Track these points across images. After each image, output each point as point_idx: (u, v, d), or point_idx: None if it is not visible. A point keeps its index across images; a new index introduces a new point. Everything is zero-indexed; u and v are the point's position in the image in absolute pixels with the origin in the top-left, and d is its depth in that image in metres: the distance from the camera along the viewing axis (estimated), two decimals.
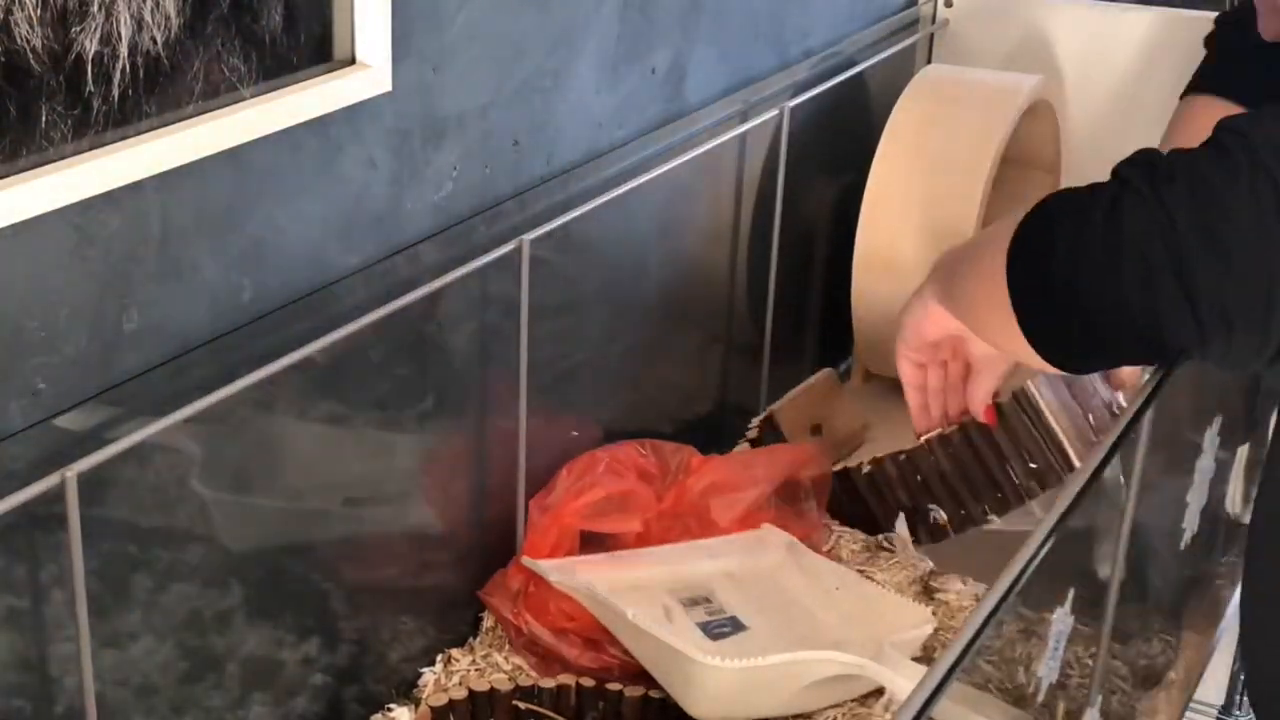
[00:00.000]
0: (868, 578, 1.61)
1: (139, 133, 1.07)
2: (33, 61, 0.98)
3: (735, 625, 1.50)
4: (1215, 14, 1.72)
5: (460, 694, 1.39)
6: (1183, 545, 1.54)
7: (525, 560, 1.49)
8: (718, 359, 1.98)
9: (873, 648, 1.41)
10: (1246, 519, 1.88)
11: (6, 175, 0.99)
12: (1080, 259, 1.00)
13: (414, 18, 1.30)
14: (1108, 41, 2.18)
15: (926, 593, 1.63)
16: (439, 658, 1.51)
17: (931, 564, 1.68)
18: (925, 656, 1.52)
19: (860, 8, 2.14)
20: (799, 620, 1.52)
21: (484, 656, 1.51)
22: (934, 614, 1.54)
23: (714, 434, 1.88)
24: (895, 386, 2.09)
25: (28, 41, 0.98)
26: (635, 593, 1.48)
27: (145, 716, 1.21)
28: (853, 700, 1.45)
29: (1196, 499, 1.52)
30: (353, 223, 1.30)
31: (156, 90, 1.08)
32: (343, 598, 1.39)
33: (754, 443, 1.81)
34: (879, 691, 1.44)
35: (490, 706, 1.40)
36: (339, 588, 1.38)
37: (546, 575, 1.46)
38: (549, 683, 1.41)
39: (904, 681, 1.38)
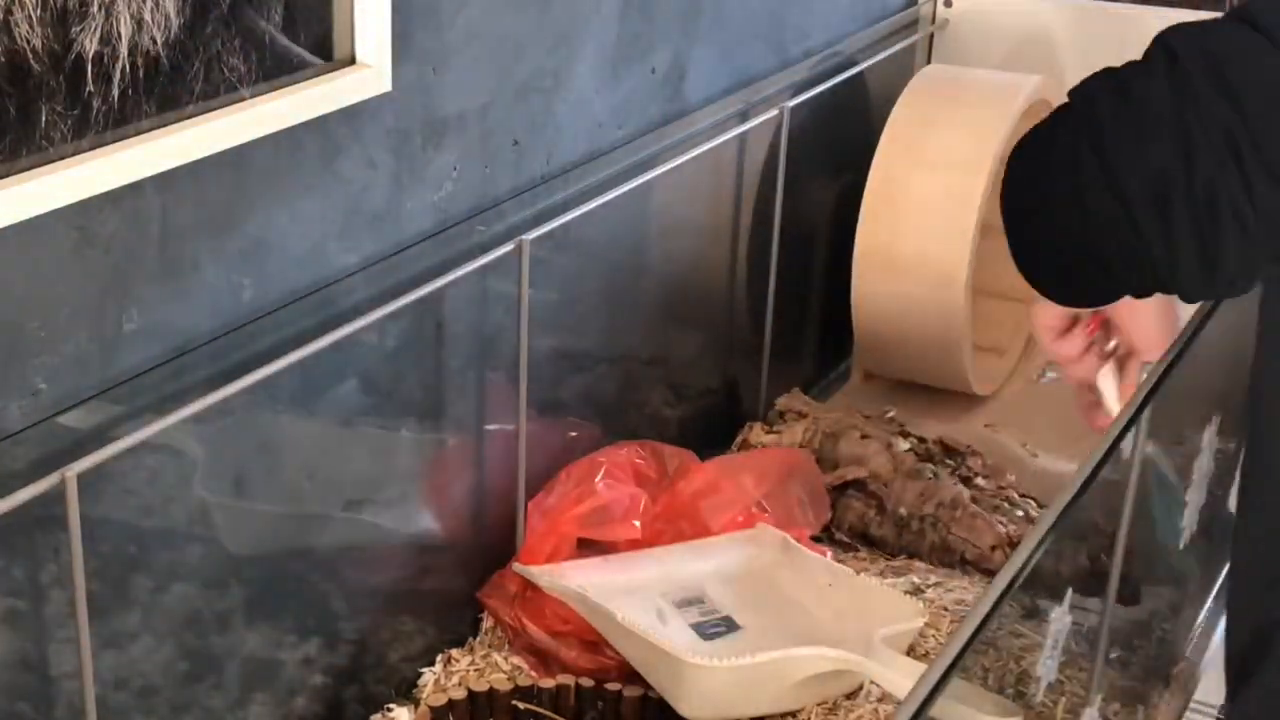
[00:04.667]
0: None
1: (139, 133, 1.07)
2: (33, 61, 0.98)
3: (729, 625, 1.50)
4: (1214, 14, 1.71)
5: (460, 694, 1.39)
6: (1182, 545, 1.54)
7: (517, 567, 1.50)
8: (718, 359, 1.98)
9: (865, 643, 1.42)
10: None
11: (6, 175, 0.99)
12: (1039, 181, 1.02)
13: (414, 18, 1.30)
14: (1108, 41, 2.18)
15: (914, 591, 1.64)
16: (439, 658, 1.51)
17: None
18: (914, 651, 1.52)
19: (860, 8, 2.14)
20: (792, 618, 1.52)
21: (484, 657, 1.51)
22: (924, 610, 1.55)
23: (714, 434, 1.88)
24: (895, 386, 2.11)
25: (28, 41, 0.98)
26: (628, 595, 1.48)
27: (145, 717, 1.21)
28: (843, 696, 1.46)
29: (1196, 499, 1.52)
30: (353, 223, 1.30)
31: (156, 90, 1.08)
32: (343, 598, 1.39)
33: None
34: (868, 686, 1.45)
35: (489, 707, 1.40)
36: (339, 588, 1.38)
37: (538, 581, 1.47)
38: (548, 683, 1.42)
39: (894, 676, 1.38)
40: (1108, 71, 1.01)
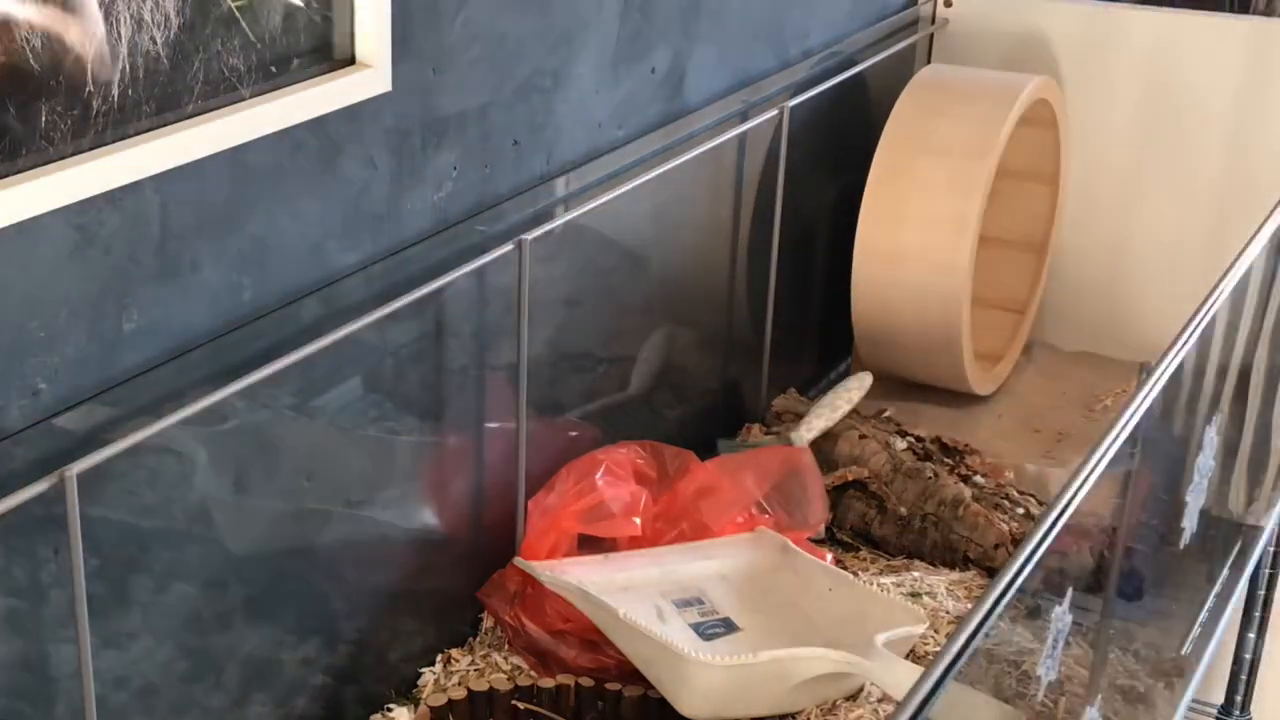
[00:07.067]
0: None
1: (139, 133, 1.07)
2: (32, 61, 0.99)
3: (728, 626, 1.50)
4: (1215, 15, 1.71)
5: (459, 694, 1.39)
6: (1182, 545, 1.54)
7: (518, 561, 1.50)
8: (718, 359, 1.98)
9: (865, 648, 1.42)
10: (1248, 519, 1.88)
11: (6, 175, 0.99)
12: None
13: (414, 18, 1.30)
14: (1108, 42, 2.18)
15: (914, 596, 1.63)
16: (438, 658, 1.51)
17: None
18: (914, 655, 1.52)
19: (860, 8, 2.14)
20: (791, 621, 1.52)
21: (483, 656, 1.51)
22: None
23: (714, 434, 1.87)
24: (894, 385, 2.11)
25: (27, 41, 0.98)
26: (627, 593, 1.48)
27: (145, 717, 1.21)
28: (843, 698, 1.46)
29: (1196, 499, 1.52)
30: (352, 223, 1.30)
31: (156, 90, 1.08)
32: (343, 598, 1.39)
33: None
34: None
35: (489, 706, 1.40)
36: (339, 588, 1.38)
37: (538, 575, 1.46)
38: (548, 683, 1.42)
39: (894, 679, 1.38)
40: None
